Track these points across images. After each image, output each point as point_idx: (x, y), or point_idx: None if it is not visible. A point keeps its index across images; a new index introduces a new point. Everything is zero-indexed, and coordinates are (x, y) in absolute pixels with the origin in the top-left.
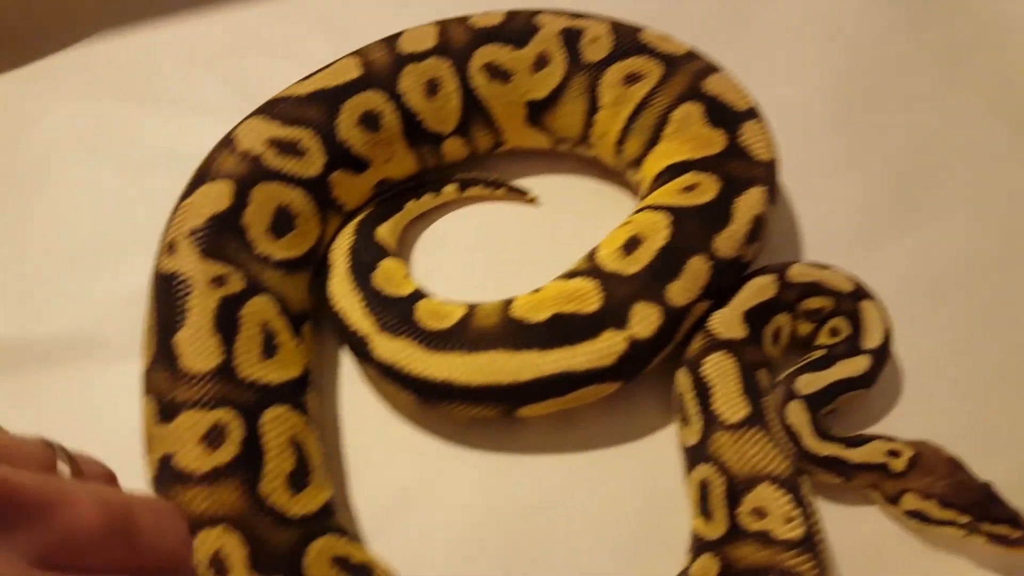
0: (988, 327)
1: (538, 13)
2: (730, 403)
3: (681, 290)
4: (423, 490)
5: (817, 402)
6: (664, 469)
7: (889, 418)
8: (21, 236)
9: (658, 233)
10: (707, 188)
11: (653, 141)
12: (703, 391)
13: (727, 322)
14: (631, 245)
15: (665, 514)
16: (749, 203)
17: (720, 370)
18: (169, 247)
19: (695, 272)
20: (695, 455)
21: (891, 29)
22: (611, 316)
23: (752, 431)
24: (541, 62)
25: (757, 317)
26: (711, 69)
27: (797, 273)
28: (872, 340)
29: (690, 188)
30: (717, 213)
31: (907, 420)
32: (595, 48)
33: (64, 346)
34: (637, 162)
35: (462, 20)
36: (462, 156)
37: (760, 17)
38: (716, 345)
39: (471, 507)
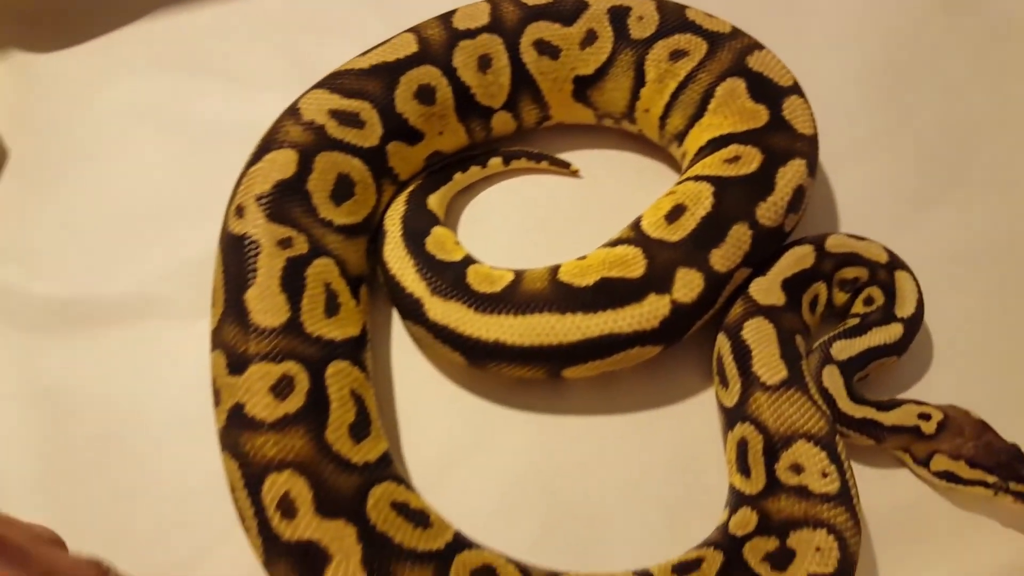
0: (1014, 300)
1: None
2: (769, 366)
3: (723, 257)
4: (470, 449)
5: (851, 367)
6: (701, 432)
7: (919, 385)
8: (84, 202)
9: (702, 202)
10: (750, 159)
11: (697, 116)
12: (743, 354)
13: (766, 289)
14: (675, 213)
15: (701, 474)
16: (791, 174)
17: (759, 334)
18: (238, 210)
19: (737, 239)
20: (734, 415)
21: (928, 14)
22: (655, 281)
23: (790, 392)
24: (589, 39)
25: (795, 285)
26: (755, 46)
27: (834, 244)
28: (905, 309)
29: (733, 159)
30: (760, 183)
31: (936, 387)
32: (642, 25)
33: (127, 305)
34: (680, 136)
35: None
36: (510, 131)
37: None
38: (756, 311)
39: (516, 465)
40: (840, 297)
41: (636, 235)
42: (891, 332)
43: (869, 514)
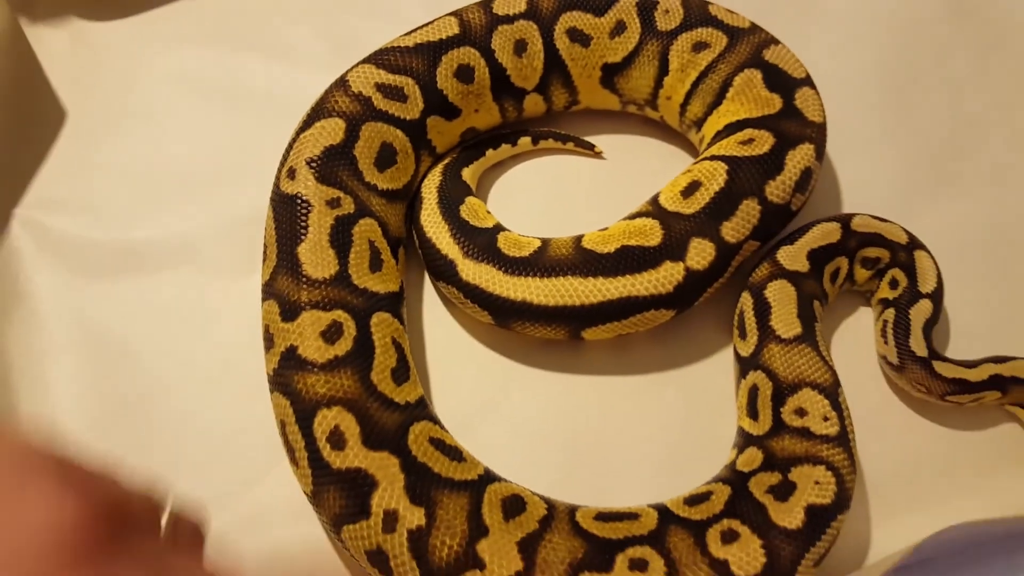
0: (1009, 286)
1: None
2: (786, 322)
3: (733, 229)
4: (493, 404)
5: (934, 351)
6: (709, 392)
7: None
8: (136, 161)
9: (716, 178)
10: (762, 142)
11: (716, 103)
12: (763, 310)
13: (792, 257)
14: (690, 189)
15: (710, 429)
16: (800, 157)
17: (781, 294)
18: (290, 172)
19: (747, 213)
20: (748, 364)
21: (933, 16)
22: (671, 249)
23: (802, 347)
24: (618, 29)
25: (820, 256)
26: (771, 41)
27: (860, 223)
28: (927, 285)
29: (747, 142)
30: (770, 163)
31: None
32: (667, 18)
33: (177, 258)
34: (699, 123)
35: None
36: (540, 112)
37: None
38: (781, 274)
39: (536, 420)
40: (861, 274)
41: (654, 208)
42: (924, 308)
43: (866, 471)
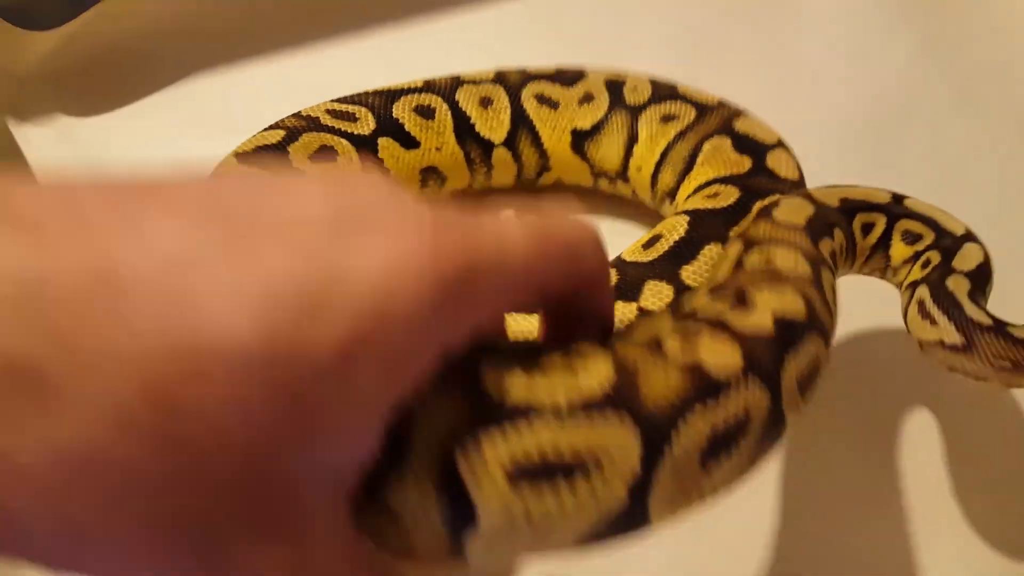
0: None
1: (584, 68)
2: (788, 216)
3: (694, 272)
4: None
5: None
6: None
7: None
8: None
9: (677, 229)
10: (728, 195)
11: (686, 171)
12: (772, 206)
13: (824, 193)
14: (651, 242)
15: None
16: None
17: (796, 205)
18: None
19: (709, 259)
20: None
21: (912, 58)
22: (623, 291)
23: (796, 233)
24: (586, 98)
25: (855, 206)
26: (740, 113)
27: (914, 204)
28: (965, 264)
29: (712, 196)
30: (736, 212)
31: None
32: (636, 94)
33: None
34: (672, 194)
35: (518, 69)
36: (511, 174)
37: (788, 49)
38: (804, 197)
39: None
40: (899, 250)
41: (614, 262)
42: (960, 283)
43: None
